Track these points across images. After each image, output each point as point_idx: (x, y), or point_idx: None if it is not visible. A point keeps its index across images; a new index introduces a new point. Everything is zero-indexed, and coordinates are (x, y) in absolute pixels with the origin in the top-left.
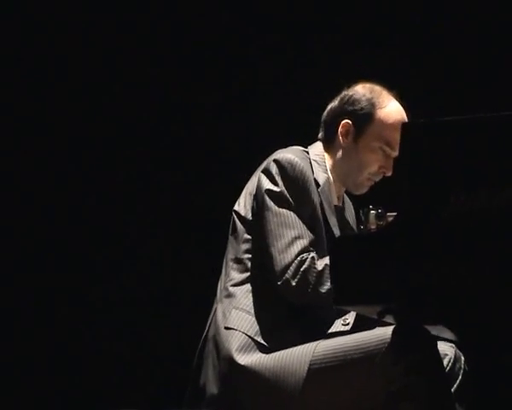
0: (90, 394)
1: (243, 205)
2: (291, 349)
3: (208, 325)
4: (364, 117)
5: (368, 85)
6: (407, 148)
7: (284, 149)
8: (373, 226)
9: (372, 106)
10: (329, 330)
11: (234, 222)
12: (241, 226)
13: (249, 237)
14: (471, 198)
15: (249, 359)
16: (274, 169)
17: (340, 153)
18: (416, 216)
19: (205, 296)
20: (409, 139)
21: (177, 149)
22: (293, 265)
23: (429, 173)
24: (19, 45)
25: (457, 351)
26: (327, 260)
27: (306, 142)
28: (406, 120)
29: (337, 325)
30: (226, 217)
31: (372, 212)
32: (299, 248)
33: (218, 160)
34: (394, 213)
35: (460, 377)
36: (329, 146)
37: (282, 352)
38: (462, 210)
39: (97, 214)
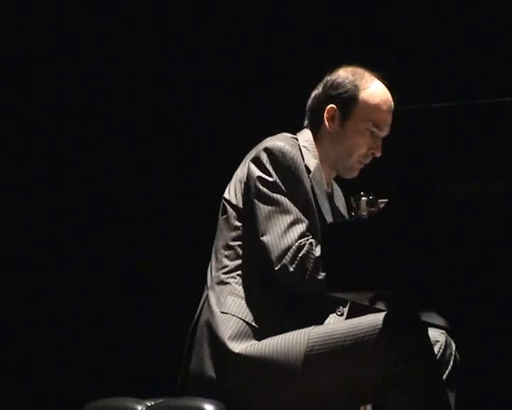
0: (85, 383)
1: (234, 193)
2: (285, 335)
3: (199, 311)
4: (349, 100)
5: (350, 68)
6: (399, 134)
7: (274, 137)
8: (364, 213)
9: (356, 88)
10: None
11: (224, 209)
12: (233, 214)
13: (240, 224)
14: (464, 186)
15: (243, 345)
16: (265, 158)
17: (327, 139)
18: (407, 203)
19: (197, 289)
20: (401, 125)
21: (174, 147)
22: (291, 250)
23: (422, 160)
24: (18, 44)
25: (448, 337)
26: None
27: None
28: (391, 99)
29: (332, 318)
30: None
31: (363, 198)
32: (297, 233)
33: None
34: (386, 200)
35: (451, 363)
36: (316, 133)
37: (277, 338)
38: (455, 197)
39: (96, 213)
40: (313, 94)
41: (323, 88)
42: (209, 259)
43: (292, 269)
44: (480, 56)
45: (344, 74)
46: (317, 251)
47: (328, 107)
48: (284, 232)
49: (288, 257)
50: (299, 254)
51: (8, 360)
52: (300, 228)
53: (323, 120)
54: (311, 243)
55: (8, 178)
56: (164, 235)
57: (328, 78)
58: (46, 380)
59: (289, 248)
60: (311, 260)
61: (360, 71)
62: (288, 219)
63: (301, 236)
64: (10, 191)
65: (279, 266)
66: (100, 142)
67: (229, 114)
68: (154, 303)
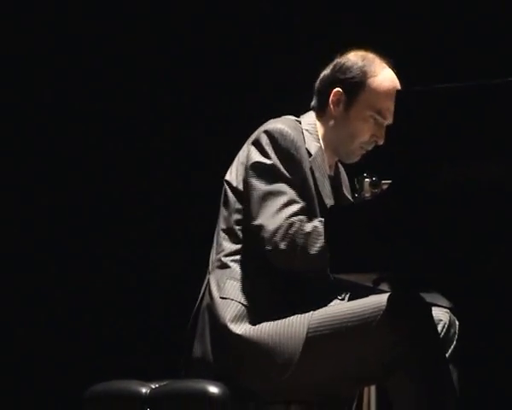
0: (89, 368)
1: (235, 175)
2: (287, 318)
3: (201, 295)
4: (356, 86)
5: (360, 53)
6: (402, 116)
7: (275, 119)
8: (367, 194)
9: (364, 74)
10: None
11: (225, 192)
12: (233, 196)
13: (240, 207)
14: (466, 167)
15: (245, 327)
16: (264, 140)
17: (331, 122)
18: (410, 184)
19: (196, 273)
20: (403, 107)
21: (174, 147)
22: (282, 228)
23: (424, 142)
24: (18, 44)
25: (452, 316)
26: (316, 222)
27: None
28: (398, 87)
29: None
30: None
31: (367, 180)
32: (289, 213)
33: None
34: (389, 181)
35: (454, 342)
36: (321, 115)
37: (279, 321)
38: (457, 179)
39: (96, 213)
40: (321, 75)
41: (332, 70)
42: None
43: (283, 246)
44: (480, 56)
45: (354, 59)
46: (308, 227)
47: (335, 90)
48: (276, 213)
49: (278, 235)
50: (289, 232)
51: (8, 360)
52: (293, 208)
53: (329, 102)
54: (301, 220)
55: (8, 178)
56: (164, 235)
57: (338, 60)
58: (48, 370)
59: (280, 227)
60: (302, 237)
61: (371, 57)
62: (282, 200)
63: (292, 215)
64: (10, 191)
65: (270, 246)
66: (100, 142)
67: (229, 114)
68: (153, 303)
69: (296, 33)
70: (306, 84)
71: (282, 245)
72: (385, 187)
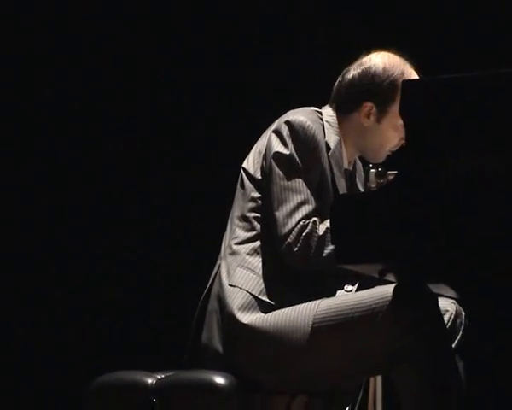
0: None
1: (252, 163)
2: (294, 307)
3: (211, 281)
4: (387, 97)
5: (387, 59)
6: (408, 106)
7: (297, 110)
8: (373, 185)
9: (394, 86)
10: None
11: (242, 179)
12: (250, 184)
13: (257, 195)
14: (471, 158)
15: (251, 317)
16: (285, 131)
17: (359, 129)
18: (416, 175)
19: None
20: (409, 97)
21: (174, 147)
22: (295, 230)
23: (430, 132)
24: (18, 44)
25: (458, 307)
26: (328, 223)
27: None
28: None
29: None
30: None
31: (372, 170)
32: (303, 213)
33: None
34: (395, 172)
35: (461, 332)
36: (344, 114)
37: (285, 310)
38: (463, 169)
39: (96, 213)
40: (348, 77)
41: (360, 77)
42: (210, 257)
43: (296, 249)
44: (480, 56)
45: (382, 66)
46: (321, 230)
47: (365, 104)
48: (291, 212)
49: (292, 236)
50: (303, 234)
51: (9, 360)
52: (306, 209)
53: (357, 113)
54: (314, 222)
55: (8, 178)
56: (164, 235)
57: (366, 66)
58: (49, 369)
59: (293, 228)
60: (315, 239)
61: (399, 63)
62: (298, 198)
63: (306, 216)
64: (10, 191)
65: (284, 246)
66: (100, 142)
67: (229, 114)
68: (153, 303)
69: (296, 33)
70: (306, 84)
71: (296, 248)
72: (391, 178)
